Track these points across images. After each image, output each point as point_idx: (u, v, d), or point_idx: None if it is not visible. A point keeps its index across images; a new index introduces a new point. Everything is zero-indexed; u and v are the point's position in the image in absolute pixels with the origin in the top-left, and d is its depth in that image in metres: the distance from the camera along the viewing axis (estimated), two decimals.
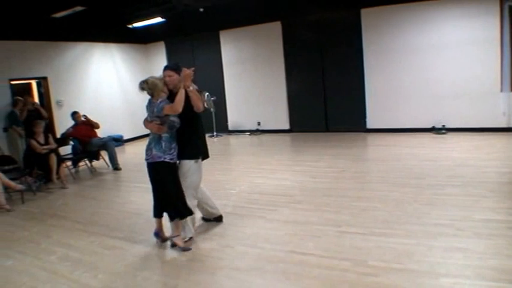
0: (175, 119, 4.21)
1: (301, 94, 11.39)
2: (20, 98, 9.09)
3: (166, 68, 4.38)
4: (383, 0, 9.66)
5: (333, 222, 4.69)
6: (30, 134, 8.46)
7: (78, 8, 9.06)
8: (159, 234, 4.51)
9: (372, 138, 9.86)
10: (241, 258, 4.01)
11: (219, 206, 5.24)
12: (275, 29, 11.40)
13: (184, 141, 4.33)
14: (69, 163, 8.59)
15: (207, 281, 3.64)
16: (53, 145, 7.91)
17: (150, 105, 4.33)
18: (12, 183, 6.75)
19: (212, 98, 12.01)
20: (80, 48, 11.61)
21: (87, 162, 8.95)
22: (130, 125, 12.81)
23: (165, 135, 4.22)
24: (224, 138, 12.05)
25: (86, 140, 8.78)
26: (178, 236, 4.32)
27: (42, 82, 10.79)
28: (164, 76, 4.31)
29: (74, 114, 9.00)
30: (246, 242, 4.40)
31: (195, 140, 4.40)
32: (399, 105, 9.98)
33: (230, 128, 12.69)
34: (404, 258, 3.64)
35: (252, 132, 12.13)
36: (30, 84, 11.78)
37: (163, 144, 4.20)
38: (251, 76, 12.10)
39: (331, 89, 10.89)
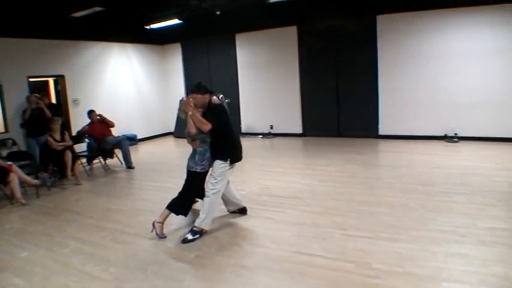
0: (205, 135, 4.75)
1: (314, 99, 11.46)
2: (37, 95, 9.29)
3: (190, 92, 4.87)
4: (399, 8, 9.70)
5: (340, 225, 4.77)
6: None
7: (97, 9, 9.21)
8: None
9: (383, 144, 9.89)
10: (249, 257, 4.12)
11: None
12: (291, 33, 11.49)
13: (215, 149, 4.85)
14: (83, 160, 8.75)
15: (215, 277, 3.75)
16: (69, 142, 8.07)
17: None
18: (28, 178, 6.93)
19: (226, 101, 12.12)
20: (97, 48, 11.81)
21: (102, 160, 9.08)
22: (144, 125, 13.03)
23: (199, 149, 4.79)
24: None
25: (101, 138, 8.92)
26: (160, 223, 4.77)
27: (60, 80, 10.99)
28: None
29: (90, 113, 9.15)
30: (253, 241, 4.51)
31: (224, 147, 4.85)
32: (412, 112, 10.00)
33: (243, 130, 12.80)
34: (407, 262, 3.71)
35: (265, 135, 12.23)
36: (47, 81, 12.03)
37: (196, 157, 4.80)
38: (265, 79, 12.20)
39: (345, 95, 10.95)
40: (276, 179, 7.19)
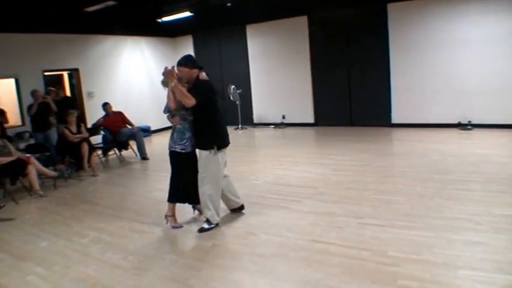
0: (185, 112, 4.46)
1: (326, 88, 11.43)
2: (52, 88, 9.38)
3: (177, 64, 4.47)
4: None
5: (355, 214, 4.79)
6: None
7: (110, 3, 9.25)
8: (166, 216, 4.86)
9: (396, 133, 9.86)
10: (265, 245, 4.16)
11: (244, 196, 5.46)
12: (301, 23, 11.46)
13: (198, 132, 4.54)
14: (99, 152, 8.86)
15: (232, 265, 3.80)
16: (85, 134, 8.18)
17: None
18: (46, 170, 7.06)
19: (238, 91, 12.17)
20: (110, 41, 11.92)
21: (117, 151, 9.22)
22: (157, 116, 13.01)
23: (178, 127, 4.54)
24: (249, 130, 12.20)
25: (116, 130, 9.03)
26: (170, 216, 4.79)
27: (74, 74, 11.11)
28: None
29: (105, 105, 9.26)
30: (269, 230, 4.53)
31: (208, 131, 4.50)
32: (425, 100, 9.93)
33: (255, 120, 12.84)
34: (423, 250, 3.72)
35: (277, 125, 12.23)
36: (61, 75, 12.15)
37: (175, 135, 4.58)
38: (277, 70, 12.20)
39: (357, 83, 10.91)
40: (289, 169, 7.22)
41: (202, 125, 4.49)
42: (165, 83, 4.54)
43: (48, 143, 8.50)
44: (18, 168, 6.69)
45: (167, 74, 4.33)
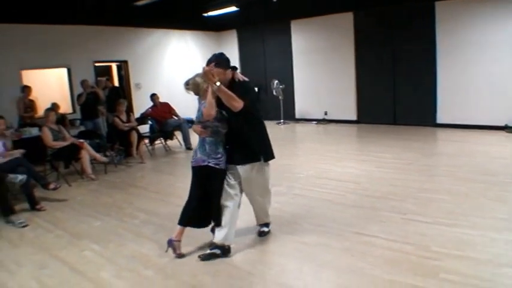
0: (219, 124, 3.79)
1: (370, 85, 11.38)
2: (102, 78, 9.75)
3: (207, 64, 3.75)
4: None
5: (398, 209, 4.83)
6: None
7: None
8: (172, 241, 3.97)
9: (441, 133, 9.71)
10: (309, 234, 4.28)
11: (287, 188, 5.66)
12: (347, 19, 11.39)
13: (244, 142, 3.85)
14: (146, 141, 9.16)
15: (277, 250, 3.97)
16: (134, 123, 8.51)
17: (199, 105, 3.98)
18: (98, 155, 7.41)
19: (281, 86, 12.27)
20: (158, 35, 12.27)
21: (163, 141, 9.53)
22: None
23: (209, 139, 3.82)
24: (291, 125, 12.30)
25: (163, 120, 9.35)
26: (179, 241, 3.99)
27: (123, 65, 11.51)
28: None
29: (153, 96, 9.58)
30: (312, 221, 4.65)
31: (258, 137, 3.95)
32: (471, 101, 9.73)
33: (297, 116, 12.91)
34: (466, 247, 3.75)
35: (319, 121, 12.28)
36: (110, 66, 12.57)
37: (207, 147, 3.82)
38: (320, 66, 12.22)
39: (401, 82, 10.80)
40: (332, 164, 7.29)
41: (251, 132, 3.86)
42: (192, 87, 3.99)
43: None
44: (72, 153, 7.06)
45: (207, 75, 3.59)
